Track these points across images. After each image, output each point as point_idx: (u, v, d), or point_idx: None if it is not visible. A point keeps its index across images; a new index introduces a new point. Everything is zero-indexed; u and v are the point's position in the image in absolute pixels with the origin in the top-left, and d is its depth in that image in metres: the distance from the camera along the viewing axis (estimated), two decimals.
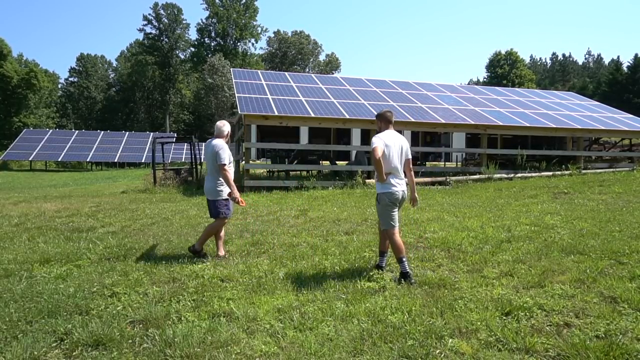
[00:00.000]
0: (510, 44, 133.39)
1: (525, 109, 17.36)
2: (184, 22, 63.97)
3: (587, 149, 20.07)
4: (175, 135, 40.52)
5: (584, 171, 14.57)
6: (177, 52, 64.27)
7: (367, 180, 12.79)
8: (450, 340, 3.14)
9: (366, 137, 15.64)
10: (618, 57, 67.20)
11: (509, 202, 9.31)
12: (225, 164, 5.17)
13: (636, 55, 55.29)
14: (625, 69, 57.20)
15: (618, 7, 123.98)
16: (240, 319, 3.52)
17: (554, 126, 15.26)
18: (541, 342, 3.06)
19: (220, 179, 5.26)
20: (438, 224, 7.02)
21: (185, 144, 36.24)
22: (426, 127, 14.71)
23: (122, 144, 36.21)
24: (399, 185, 4.54)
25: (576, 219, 7.05)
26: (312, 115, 13.00)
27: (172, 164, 30.12)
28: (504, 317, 3.49)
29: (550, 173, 14.20)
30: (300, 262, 5.07)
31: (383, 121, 4.69)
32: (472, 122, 14.54)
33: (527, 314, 3.52)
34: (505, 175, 13.98)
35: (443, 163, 24.90)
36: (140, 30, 62.86)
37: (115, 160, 34.58)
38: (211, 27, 61.47)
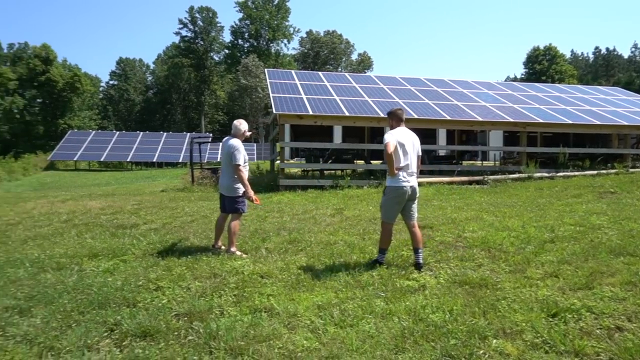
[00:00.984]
0: (549, 39, 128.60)
1: (566, 105, 16.75)
2: (218, 24, 65.16)
3: (635, 146, 19.14)
4: (211, 136, 41.35)
5: (631, 170, 13.91)
6: (212, 54, 65.55)
7: None
8: (495, 340, 3.08)
9: None
10: None
11: (551, 202, 9.01)
12: (239, 164, 5.35)
13: None
14: None
15: None
16: (281, 315, 3.57)
17: (599, 123, 14.65)
18: (591, 346, 2.96)
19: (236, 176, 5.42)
20: (477, 223, 6.87)
21: (220, 143, 36.86)
22: (463, 125, 14.43)
23: (160, 144, 37.24)
24: (409, 181, 4.71)
25: (625, 219, 6.74)
26: (347, 114, 12.99)
27: (209, 164, 30.73)
28: (550, 319, 3.39)
29: (595, 172, 13.63)
30: (338, 260, 5.09)
31: (394, 119, 4.90)
32: (511, 120, 14.15)
33: (575, 316, 3.41)
34: (547, 174, 13.52)
35: (480, 162, 24.37)
36: (177, 33, 64.44)
37: (154, 160, 35.60)
38: (244, 29, 62.35)
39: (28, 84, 49.45)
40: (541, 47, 60.79)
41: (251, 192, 5.37)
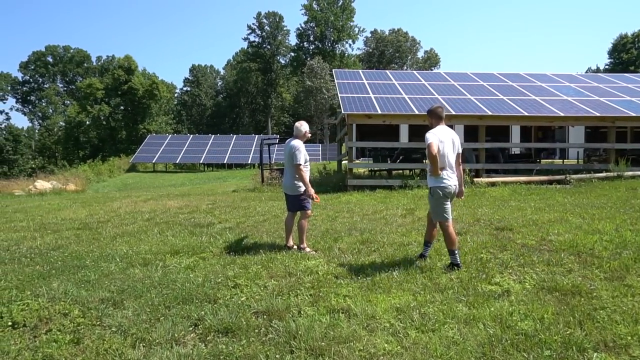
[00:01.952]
0: (638, 25, 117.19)
1: None
2: (284, 28, 66.71)
3: None
4: (278, 137, 42.30)
5: None
6: (278, 57, 67.20)
7: (475, 179, 12.13)
8: (595, 354, 2.82)
9: (474, 134, 14.83)
10: None
11: None
12: (300, 164, 5.51)
13: None
14: None
15: None
16: (358, 316, 3.51)
17: None
18: None
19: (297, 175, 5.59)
20: (562, 225, 6.39)
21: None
22: (542, 121, 13.56)
23: (230, 147, 38.71)
24: (452, 179, 4.70)
25: None
26: (416, 112, 12.67)
27: (277, 164, 31.48)
28: None
29: None
30: (414, 261, 4.94)
31: (434, 117, 4.85)
32: (597, 114, 13.06)
33: None
34: None
35: (561, 160, 22.80)
36: (245, 39, 66.90)
37: (225, 162, 37.08)
38: (310, 32, 63.22)
39: (113, 93, 53.74)
40: (629, 34, 55.73)
41: (311, 190, 5.56)
